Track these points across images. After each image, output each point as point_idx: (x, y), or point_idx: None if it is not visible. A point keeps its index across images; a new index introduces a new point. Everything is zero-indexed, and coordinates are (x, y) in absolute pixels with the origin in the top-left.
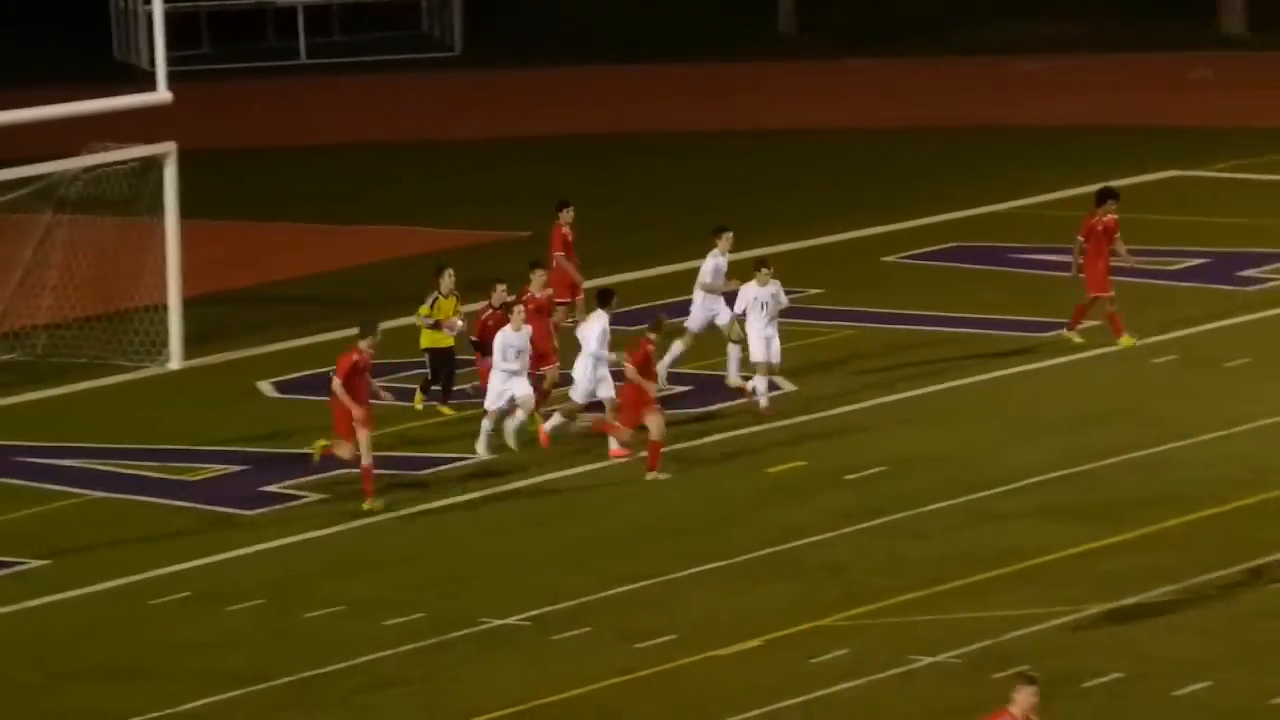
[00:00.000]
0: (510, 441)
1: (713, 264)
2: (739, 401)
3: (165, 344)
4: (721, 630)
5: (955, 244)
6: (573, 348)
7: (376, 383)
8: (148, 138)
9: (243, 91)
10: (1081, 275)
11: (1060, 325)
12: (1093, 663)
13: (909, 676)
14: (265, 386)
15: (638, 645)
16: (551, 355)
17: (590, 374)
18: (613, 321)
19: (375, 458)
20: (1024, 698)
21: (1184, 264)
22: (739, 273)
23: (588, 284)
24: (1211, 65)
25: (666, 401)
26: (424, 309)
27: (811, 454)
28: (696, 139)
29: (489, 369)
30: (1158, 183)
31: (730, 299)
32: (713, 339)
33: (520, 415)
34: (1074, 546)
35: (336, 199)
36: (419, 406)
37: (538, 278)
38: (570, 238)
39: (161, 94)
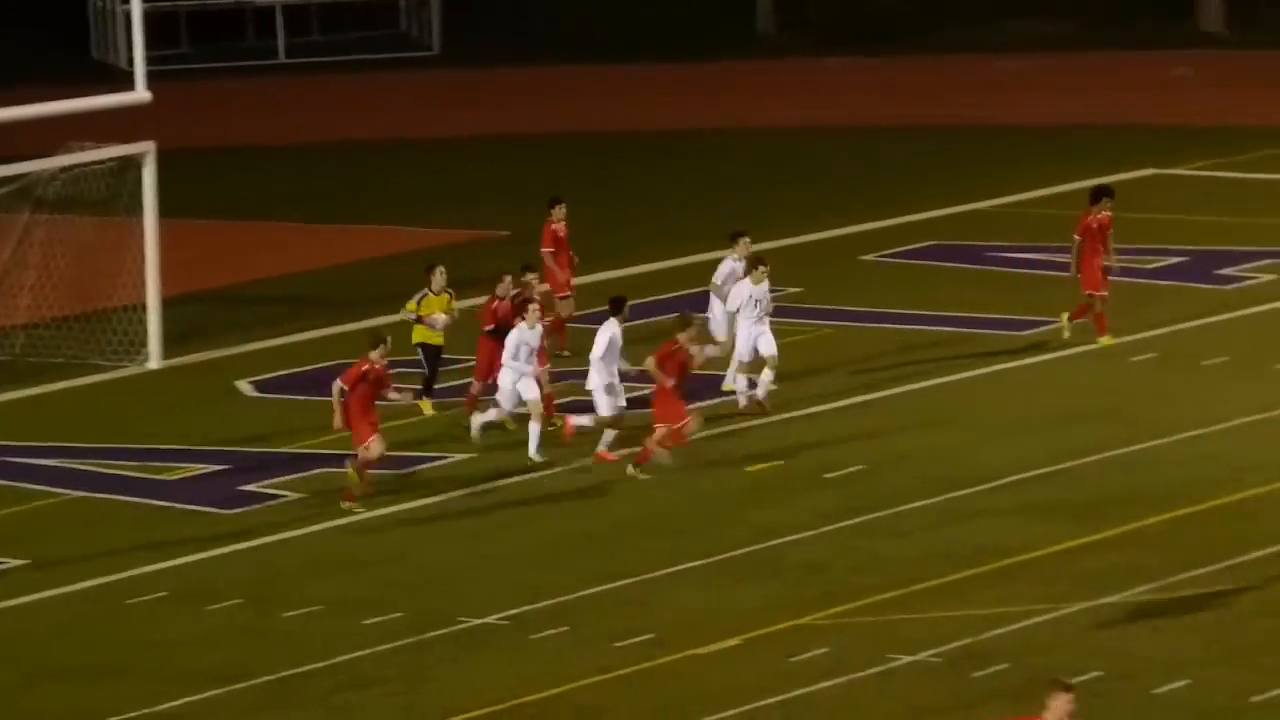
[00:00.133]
0: (475, 437)
1: (728, 268)
2: (721, 401)
3: (144, 343)
4: (701, 629)
5: (934, 243)
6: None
7: (393, 395)
8: (126, 137)
9: (221, 91)
10: (1079, 274)
11: (1041, 323)
12: (1072, 661)
13: (888, 675)
14: (244, 386)
15: (617, 644)
16: (542, 356)
17: (604, 382)
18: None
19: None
20: (1059, 705)
21: (1162, 262)
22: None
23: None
24: (1190, 64)
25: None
26: (410, 304)
27: (790, 453)
28: (675, 138)
29: (489, 353)
30: (1136, 181)
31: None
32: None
33: (492, 414)
34: (1053, 545)
35: (315, 198)
36: (429, 412)
37: (529, 280)
38: (562, 235)
39: (140, 93)
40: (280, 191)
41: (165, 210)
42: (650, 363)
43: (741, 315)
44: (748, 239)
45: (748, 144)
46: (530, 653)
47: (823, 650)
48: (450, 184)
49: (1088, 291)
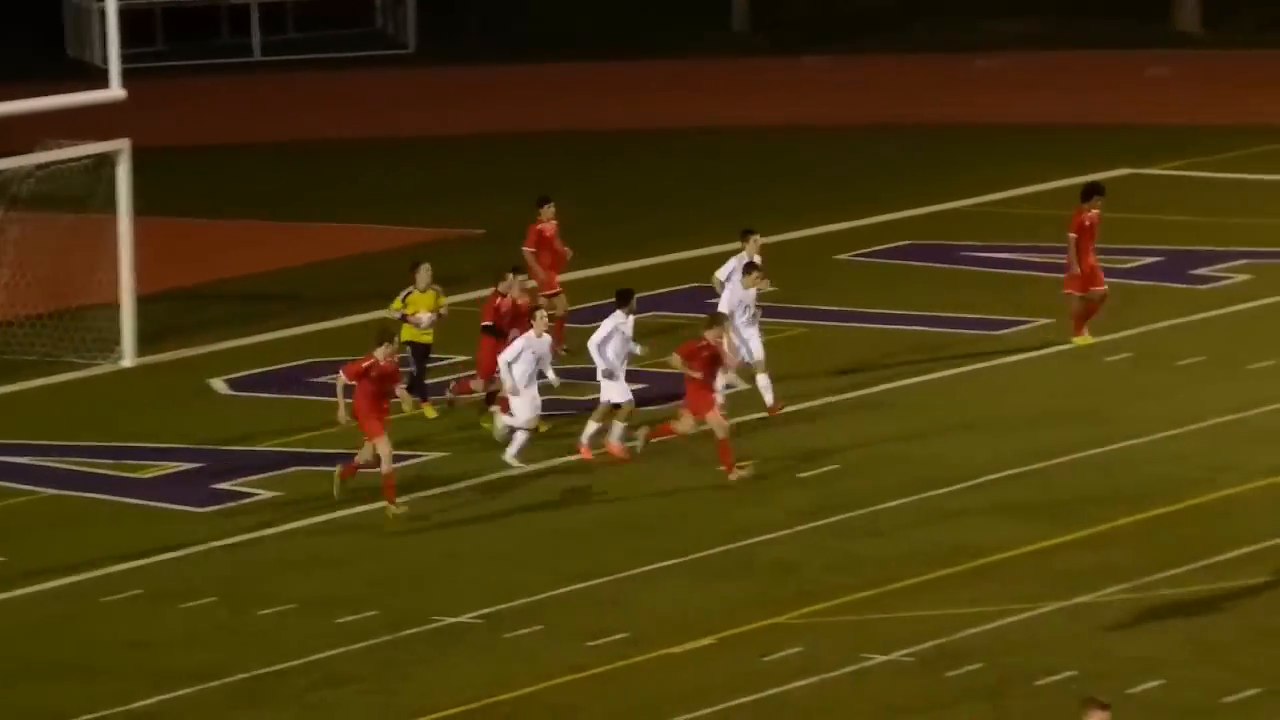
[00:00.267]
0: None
1: (734, 264)
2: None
3: (118, 341)
4: (674, 628)
5: (908, 242)
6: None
7: (401, 395)
8: (101, 134)
9: (197, 88)
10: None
11: (1016, 323)
12: (1046, 661)
13: (862, 674)
14: (218, 384)
15: (590, 643)
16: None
17: (602, 378)
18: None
19: (330, 455)
20: None
21: (1137, 262)
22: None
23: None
24: (1165, 63)
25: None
26: (396, 303)
27: (765, 452)
28: (649, 137)
29: (490, 350)
30: (1111, 180)
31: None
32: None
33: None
34: (1028, 545)
35: (290, 196)
36: (431, 414)
37: (517, 283)
38: (549, 234)
39: (115, 91)
40: (255, 189)
41: (140, 208)
42: (676, 359)
43: (740, 321)
44: (758, 237)
45: (722, 143)
46: (504, 651)
47: (796, 649)
48: (426, 182)
49: (1067, 291)
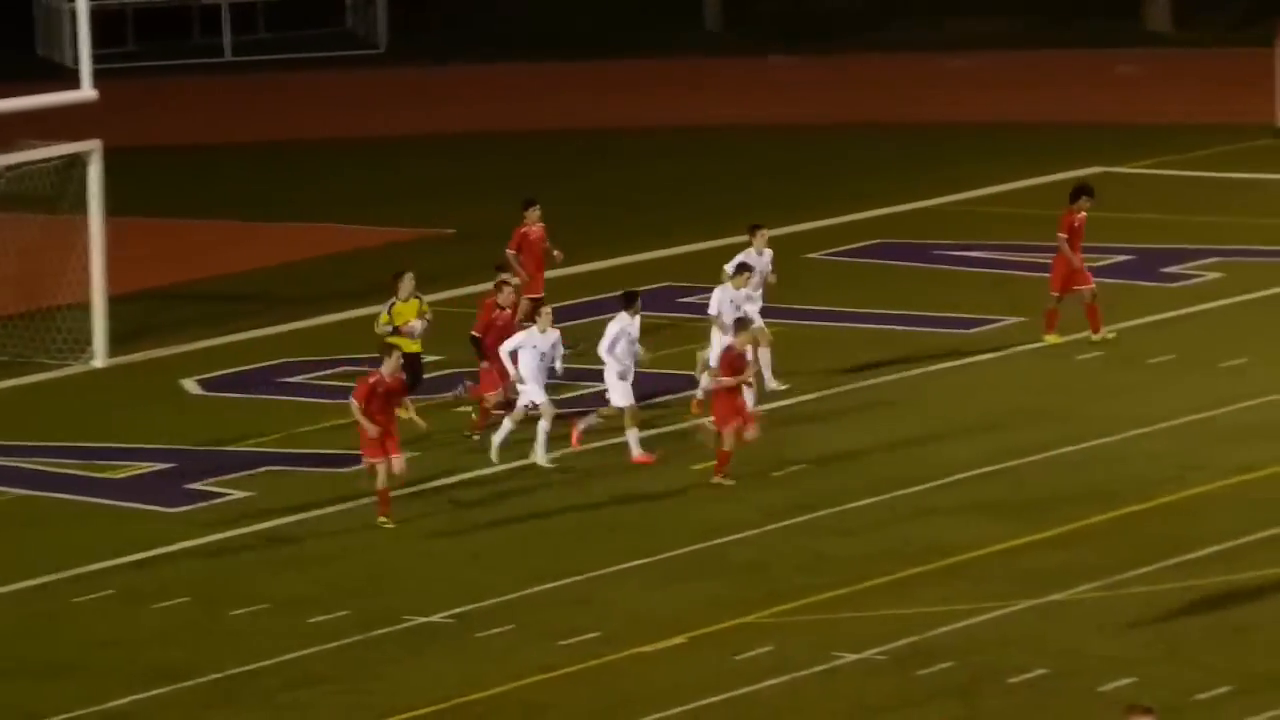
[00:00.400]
0: (494, 455)
1: (739, 261)
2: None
3: (90, 341)
4: (646, 627)
5: (880, 241)
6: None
7: (408, 401)
8: (72, 135)
9: (168, 89)
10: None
11: (987, 322)
12: (1018, 659)
13: (833, 673)
14: (190, 384)
15: (562, 642)
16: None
17: (613, 380)
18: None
19: (302, 455)
20: None
21: (1108, 261)
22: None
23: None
24: (1137, 62)
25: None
26: (383, 317)
27: (736, 451)
28: (623, 135)
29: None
30: (1083, 179)
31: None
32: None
33: (508, 424)
34: (999, 543)
35: (261, 196)
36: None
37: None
38: (532, 236)
39: (86, 91)
40: (227, 190)
41: (111, 208)
42: (716, 380)
43: (728, 320)
44: (765, 231)
45: (693, 142)
46: (476, 651)
47: (767, 648)
48: (397, 182)
49: (1054, 292)
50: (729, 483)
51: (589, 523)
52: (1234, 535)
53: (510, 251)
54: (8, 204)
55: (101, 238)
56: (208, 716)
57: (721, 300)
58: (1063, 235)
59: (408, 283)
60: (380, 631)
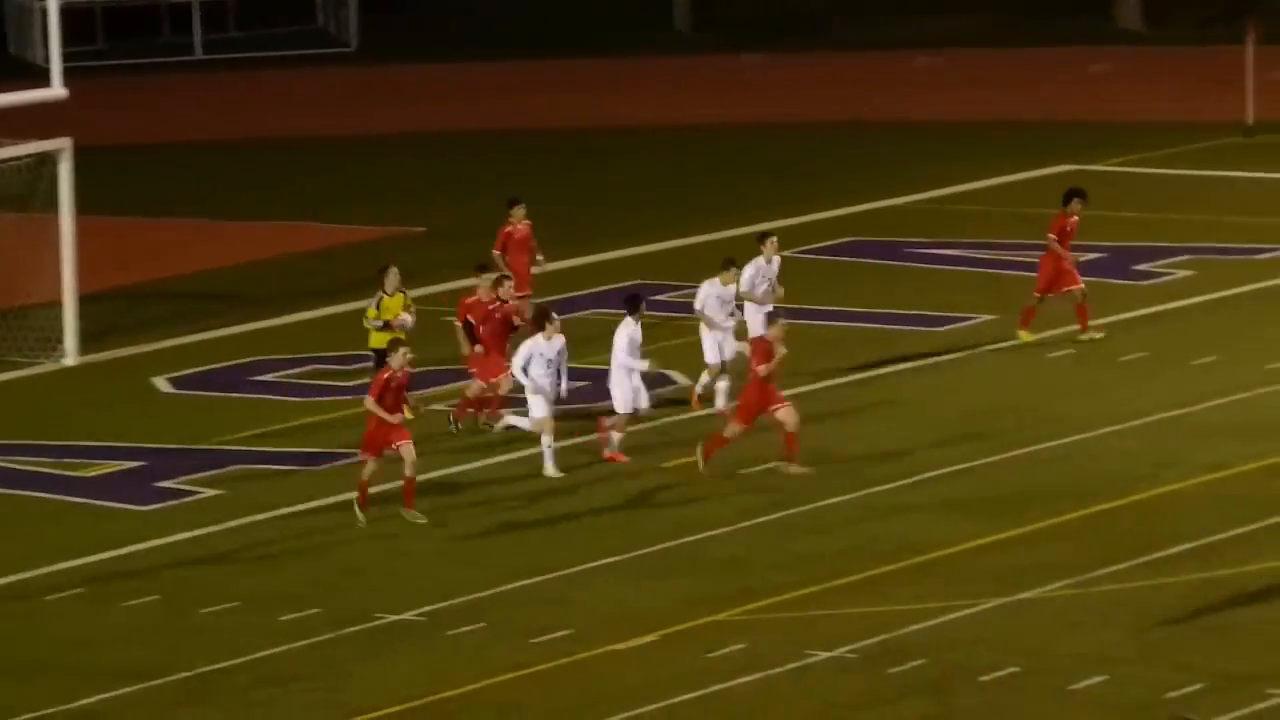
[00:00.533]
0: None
1: (751, 270)
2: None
3: (60, 340)
4: (618, 625)
5: (852, 239)
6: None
7: (413, 398)
8: (42, 133)
9: (138, 87)
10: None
11: (959, 319)
12: (989, 657)
13: (805, 671)
14: (160, 382)
15: (534, 640)
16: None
17: (625, 385)
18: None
19: (273, 453)
20: None
21: (1080, 258)
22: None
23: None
24: (1108, 60)
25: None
26: (370, 311)
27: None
28: (593, 135)
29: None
30: (1054, 177)
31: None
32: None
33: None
34: (971, 540)
35: (232, 195)
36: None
37: (484, 281)
38: (517, 236)
39: (56, 90)
40: (197, 188)
41: (82, 207)
42: (763, 370)
43: (714, 315)
44: (775, 239)
45: (665, 141)
46: (447, 649)
47: (740, 646)
48: (367, 180)
49: (1037, 292)
50: (704, 472)
51: (561, 520)
52: (1206, 533)
53: (495, 252)
54: None
55: (72, 236)
56: (178, 715)
57: (706, 295)
58: (1052, 236)
59: (393, 276)
60: (351, 629)
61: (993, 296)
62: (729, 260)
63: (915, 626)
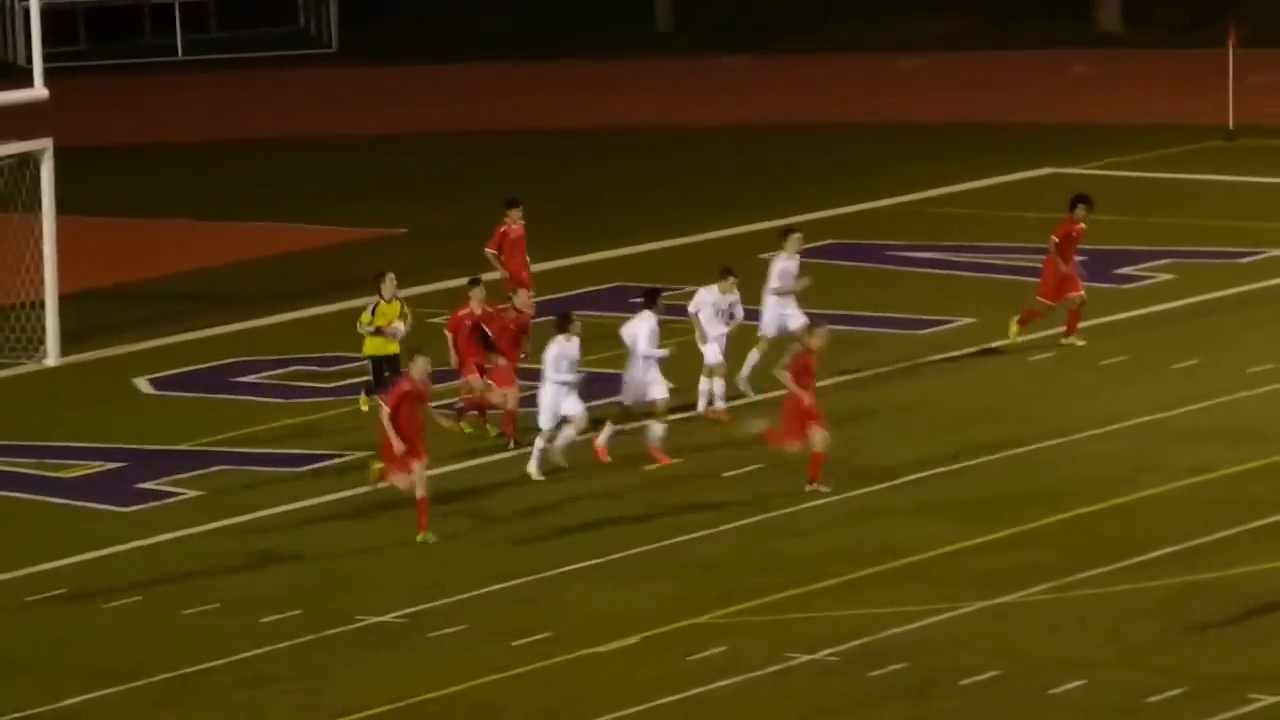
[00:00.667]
0: (560, 459)
1: (780, 266)
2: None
3: (42, 340)
4: (598, 628)
5: (832, 241)
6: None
7: (432, 408)
8: (24, 134)
9: (120, 88)
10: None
11: (939, 322)
12: (969, 661)
13: (785, 674)
14: (142, 383)
15: (514, 643)
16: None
17: (641, 376)
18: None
19: (254, 454)
20: None
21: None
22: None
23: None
24: (1088, 62)
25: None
26: (365, 316)
27: (689, 452)
28: (574, 136)
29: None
30: (1034, 180)
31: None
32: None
33: (570, 431)
34: (951, 544)
35: (214, 195)
36: (364, 407)
37: (476, 295)
38: (512, 236)
39: (38, 90)
40: (178, 189)
41: (63, 207)
42: (786, 377)
43: (707, 324)
44: (799, 235)
45: (646, 143)
46: (428, 651)
47: (720, 649)
48: (349, 182)
49: (1039, 297)
50: (825, 489)
51: (541, 523)
52: (1186, 537)
53: (490, 251)
54: None
55: (53, 237)
56: (159, 716)
57: (702, 301)
58: (1055, 239)
59: (389, 283)
60: (333, 631)
61: (974, 299)
62: (727, 269)
63: (896, 630)
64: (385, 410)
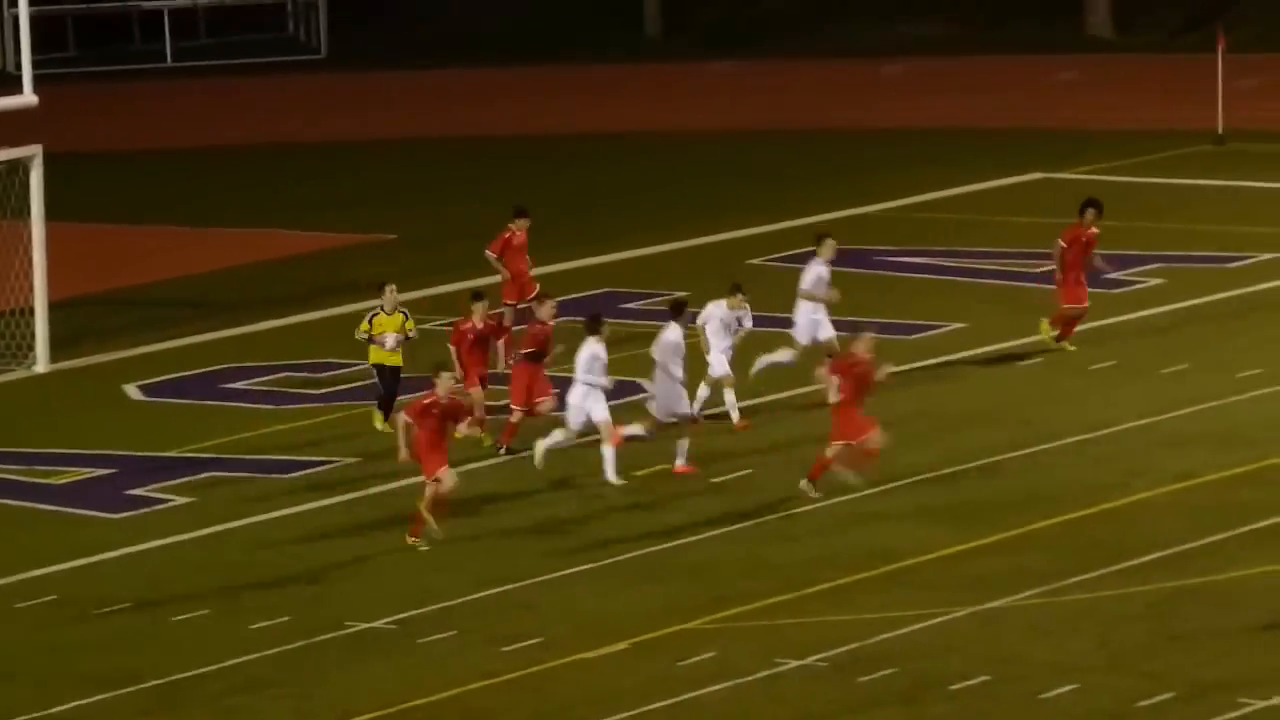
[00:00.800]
0: (538, 460)
1: (815, 272)
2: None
3: (31, 347)
4: (589, 633)
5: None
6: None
7: (461, 429)
8: (13, 140)
9: (109, 94)
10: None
11: (929, 328)
12: (960, 665)
13: (776, 679)
14: (132, 390)
15: (504, 648)
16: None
17: (666, 389)
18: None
19: (244, 461)
20: None
21: (1049, 267)
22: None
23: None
24: (1077, 67)
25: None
26: (363, 325)
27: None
28: (562, 141)
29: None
30: (1023, 185)
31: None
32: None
33: (558, 435)
34: (942, 549)
35: (203, 202)
36: (379, 426)
37: (479, 308)
38: (517, 242)
39: (27, 97)
40: (168, 195)
41: (52, 213)
42: (821, 373)
43: (713, 337)
44: (832, 241)
45: (635, 148)
46: (418, 656)
47: (710, 654)
48: (338, 188)
49: (1069, 304)
50: (816, 494)
51: (531, 528)
52: (1176, 542)
53: (491, 255)
54: None
55: (43, 243)
56: None
57: (710, 316)
58: (1062, 244)
59: (390, 294)
60: (323, 637)
61: (963, 305)
62: (736, 285)
63: (886, 635)
64: (404, 417)
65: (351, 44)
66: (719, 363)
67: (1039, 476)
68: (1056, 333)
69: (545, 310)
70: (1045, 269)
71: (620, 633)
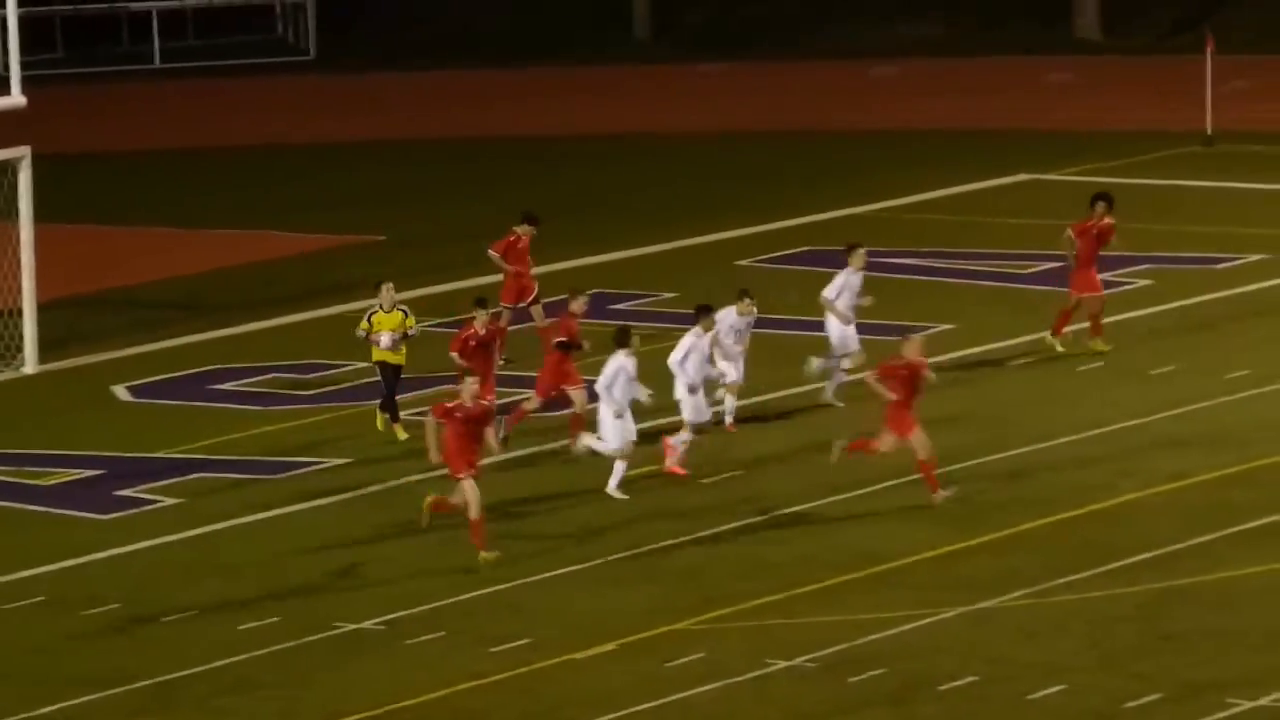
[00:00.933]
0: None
1: (843, 280)
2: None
3: (20, 348)
4: (577, 634)
5: (809, 248)
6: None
7: (490, 437)
8: (1, 142)
9: (97, 95)
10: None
11: (917, 329)
12: (949, 666)
13: (764, 680)
14: (120, 391)
15: (493, 649)
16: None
17: (684, 395)
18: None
19: (233, 462)
20: None
21: (1038, 268)
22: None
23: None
24: (1066, 69)
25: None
26: (362, 324)
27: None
28: (552, 142)
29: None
30: (1012, 186)
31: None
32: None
33: (594, 442)
34: (930, 550)
35: (191, 203)
36: (380, 428)
37: (481, 315)
38: (521, 245)
39: (15, 98)
40: (156, 196)
41: (41, 215)
42: (871, 377)
43: (724, 342)
44: (863, 250)
45: (623, 150)
46: (406, 657)
47: (699, 655)
48: (327, 189)
49: (1085, 294)
50: (950, 494)
51: (519, 529)
52: (1165, 542)
53: (494, 254)
54: None
55: (31, 244)
56: None
57: (721, 320)
58: (1070, 235)
59: (387, 292)
60: (311, 638)
61: (951, 306)
62: (744, 291)
63: (875, 635)
64: (431, 418)
65: (340, 46)
66: (730, 370)
67: (1029, 477)
68: (1099, 342)
69: (577, 304)
70: (1037, 270)
71: (609, 633)
